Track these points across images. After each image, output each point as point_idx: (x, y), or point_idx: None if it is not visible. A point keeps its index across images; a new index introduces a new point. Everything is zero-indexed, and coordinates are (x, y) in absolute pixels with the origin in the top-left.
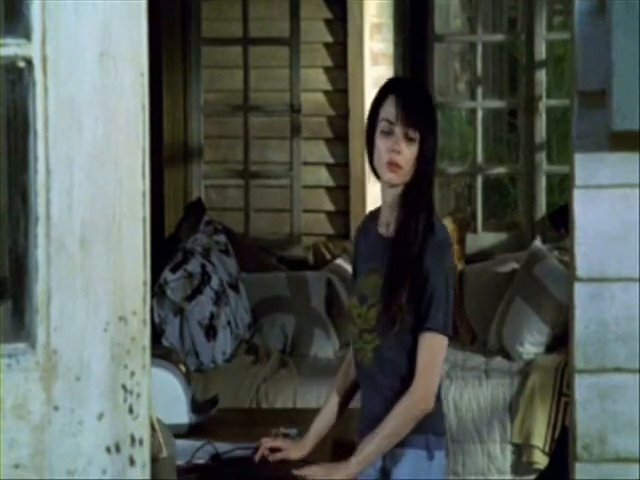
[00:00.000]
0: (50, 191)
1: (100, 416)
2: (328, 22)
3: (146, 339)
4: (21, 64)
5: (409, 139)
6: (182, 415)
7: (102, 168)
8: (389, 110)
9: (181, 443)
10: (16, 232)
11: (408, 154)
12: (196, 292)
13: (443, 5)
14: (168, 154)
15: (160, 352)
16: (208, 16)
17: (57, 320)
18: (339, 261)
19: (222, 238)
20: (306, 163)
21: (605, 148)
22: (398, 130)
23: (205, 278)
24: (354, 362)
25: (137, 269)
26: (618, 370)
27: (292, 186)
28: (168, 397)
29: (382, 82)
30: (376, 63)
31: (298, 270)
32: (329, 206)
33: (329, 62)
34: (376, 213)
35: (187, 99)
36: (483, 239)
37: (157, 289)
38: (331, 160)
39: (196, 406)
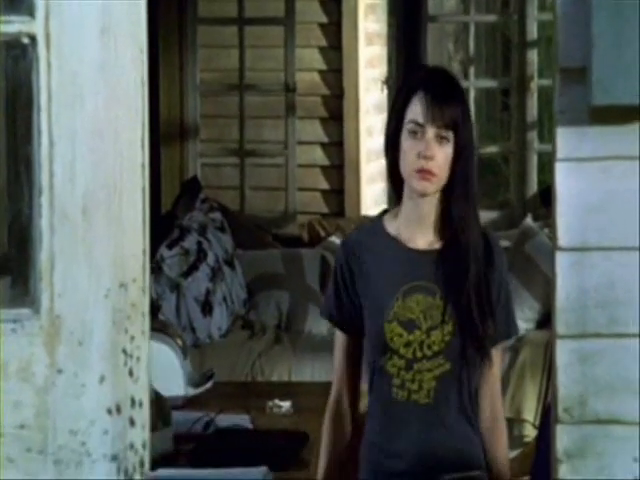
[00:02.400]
0: (53, 163)
1: (102, 379)
2: (323, 2)
3: (145, 306)
4: (25, 40)
5: (442, 139)
6: (179, 388)
7: (103, 141)
8: (417, 109)
9: (178, 415)
10: (20, 203)
11: (442, 158)
12: (192, 268)
13: None
14: (164, 133)
15: (157, 326)
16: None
17: (60, 287)
18: (333, 238)
19: (218, 215)
20: (301, 142)
21: (586, 122)
22: (429, 132)
23: (201, 255)
24: (388, 400)
25: (137, 238)
26: (598, 335)
27: (287, 165)
28: (165, 370)
29: (376, 62)
30: (370, 43)
31: (293, 247)
32: (324, 185)
33: (324, 42)
34: (377, 227)
35: (183, 78)
36: None
37: (154, 265)
38: (326, 139)
39: (192, 379)
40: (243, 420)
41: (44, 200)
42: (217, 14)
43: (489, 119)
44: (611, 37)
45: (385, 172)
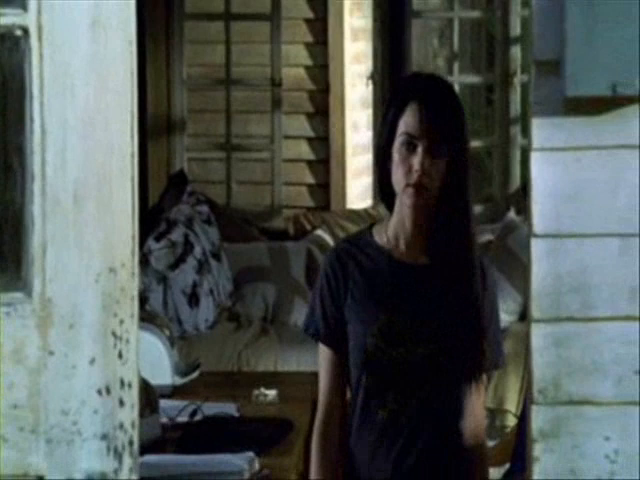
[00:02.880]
0: (45, 151)
1: (92, 361)
2: None
3: (134, 289)
4: (18, 33)
5: (436, 153)
6: (166, 377)
7: (94, 130)
8: (411, 122)
9: (165, 403)
10: (13, 190)
11: (435, 172)
12: (179, 261)
13: None
14: (152, 127)
15: (145, 316)
16: None
17: (52, 271)
18: (319, 232)
19: (205, 209)
20: (287, 137)
21: (560, 114)
22: (422, 146)
23: (188, 247)
24: (370, 419)
25: (126, 224)
26: (571, 319)
27: (273, 159)
28: (152, 359)
29: (361, 58)
30: (356, 39)
31: (278, 241)
32: (310, 179)
33: (310, 38)
34: (366, 238)
35: (170, 73)
36: None
37: (141, 258)
38: (312, 134)
39: (179, 369)
40: (229, 408)
41: (36, 187)
42: (204, 10)
43: (473, 114)
44: (583, 31)
45: (371, 168)
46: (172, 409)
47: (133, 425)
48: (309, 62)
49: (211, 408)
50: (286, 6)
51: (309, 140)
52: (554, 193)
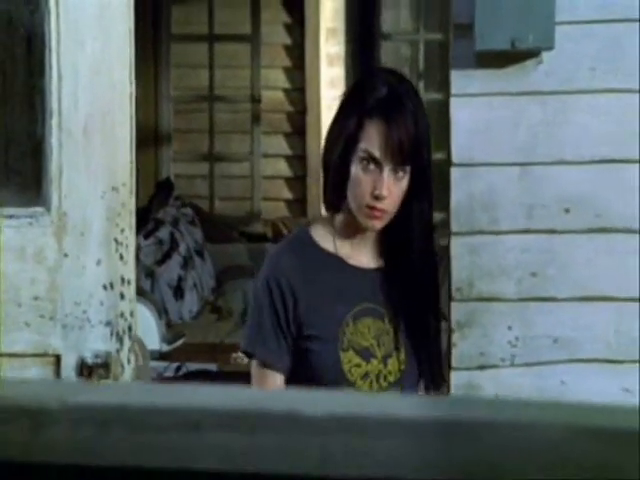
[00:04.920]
0: (61, 92)
1: (98, 262)
2: (287, 26)
3: (132, 205)
4: None
5: (398, 174)
6: (154, 343)
7: (99, 75)
8: (373, 141)
9: (153, 363)
10: (34, 124)
11: (396, 193)
12: (166, 257)
13: (393, 7)
14: (140, 139)
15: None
16: (177, 19)
17: (66, 190)
18: None
19: (189, 211)
20: (266, 155)
21: (473, 66)
22: (386, 169)
23: (174, 245)
24: None
25: (125, 151)
26: (481, 232)
27: (253, 176)
28: (142, 327)
29: (336, 82)
30: (331, 65)
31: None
32: (287, 194)
33: (288, 63)
34: (308, 243)
35: (158, 93)
36: None
37: None
38: (289, 152)
39: (166, 337)
40: (210, 367)
41: (54, 122)
42: (189, 31)
43: (436, 128)
44: None
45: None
46: (157, 368)
47: (132, 314)
48: (287, 85)
49: (194, 366)
50: (265, 32)
51: (287, 158)
52: (468, 130)
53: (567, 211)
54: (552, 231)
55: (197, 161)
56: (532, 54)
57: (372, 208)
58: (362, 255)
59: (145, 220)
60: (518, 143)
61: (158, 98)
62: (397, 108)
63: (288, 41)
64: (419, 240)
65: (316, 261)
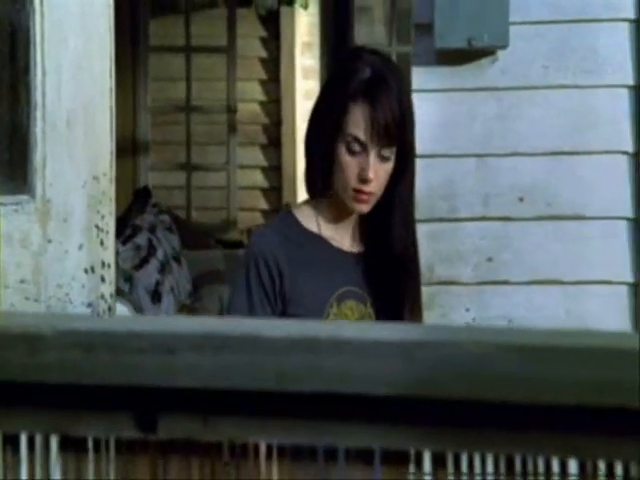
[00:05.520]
0: (45, 86)
1: (80, 246)
2: (263, 39)
3: (112, 193)
4: None
5: (385, 158)
6: None
7: (81, 71)
8: (358, 124)
9: None
10: (20, 116)
11: (382, 175)
12: (143, 262)
13: (367, 21)
14: (118, 148)
15: None
16: (155, 32)
17: (50, 178)
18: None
19: (166, 218)
20: (242, 166)
21: (433, 63)
22: (372, 152)
23: (151, 250)
24: None
25: (106, 143)
26: (441, 220)
27: (229, 186)
28: None
29: (311, 95)
30: (306, 77)
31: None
32: (263, 205)
33: (264, 75)
34: (292, 224)
35: (136, 103)
36: None
37: None
38: (265, 164)
39: None
40: None
41: (38, 114)
42: (167, 44)
43: None
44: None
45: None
46: None
47: (111, 296)
48: (263, 98)
49: None
50: (242, 45)
51: (263, 169)
52: (428, 124)
53: (521, 200)
54: (507, 218)
55: (174, 170)
56: (488, 52)
57: (359, 191)
58: (345, 239)
59: (123, 226)
60: (475, 136)
61: (136, 109)
62: (381, 89)
63: (264, 54)
64: (399, 224)
65: (300, 240)
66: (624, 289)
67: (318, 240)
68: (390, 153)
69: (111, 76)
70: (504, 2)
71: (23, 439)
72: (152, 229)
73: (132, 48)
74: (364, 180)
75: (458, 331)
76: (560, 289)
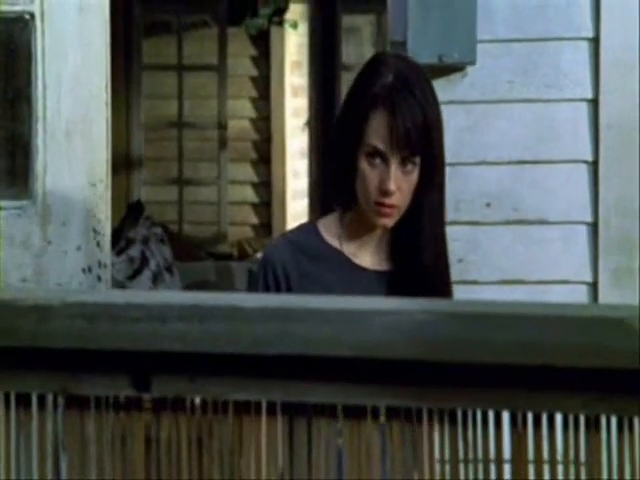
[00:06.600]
0: (46, 99)
1: (78, 248)
2: (253, 58)
3: (109, 198)
4: (27, 16)
5: (407, 167)
6: None
7: (80, 84)
8: (379, 133)
9: None
10: (22, 127)
11: (406, 187)
12: (136, 273)
13: (354, 41)
14: (112, 163)
15: None
16: (148, 51)
17: (50, 185)
18: (260, 254)
19: (159, 230)
20: (233, 181)
21: None
22: (393, 162)
23: (144, 262)
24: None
25: (102, 152)
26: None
27: (220, 201)
28: None
29: (300, 112)
30: (295, 95)
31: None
32: (254, 220)
33: (254, 93)
34: (313, 237)
35: (129, 120)
36: None
37: None
38: (256, 179)
39: None
40: None
41: (39, 125)
42: (159, 63)
43: None
44: (420, 17)
45: (308, 211)
46: None
47: None
48: (253, 115)
49: None
50: (232, 64)
51: (253, 185)
52: None
53: (488, 205)
54: (475, 223)
55: (167, 185)
56: (457, 68)
57: (381, 204)
58: (368, 255)
59: (117, 239)
60: (446, 146)
61: (130, 125)
62: (403, 95)
63: (254, 72)
64: (429, 240)
65: (317, 254)
66: (584, 288)
67: (337, 255)
68: (413, 164)
69: (107, 89)
70: (472, 21)
71: (34, 398)
72: (145, 241)
73: (126, 67)
74: (385, 192)
75: (410, 303)
76: (525, 288)
